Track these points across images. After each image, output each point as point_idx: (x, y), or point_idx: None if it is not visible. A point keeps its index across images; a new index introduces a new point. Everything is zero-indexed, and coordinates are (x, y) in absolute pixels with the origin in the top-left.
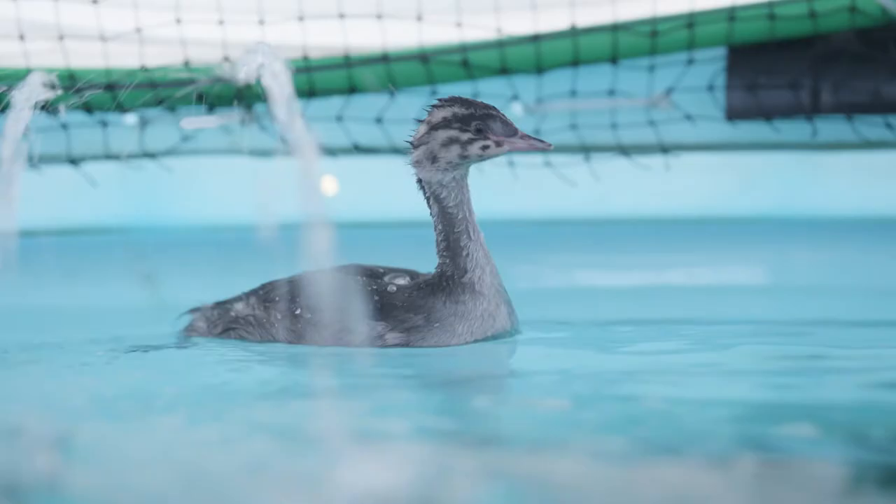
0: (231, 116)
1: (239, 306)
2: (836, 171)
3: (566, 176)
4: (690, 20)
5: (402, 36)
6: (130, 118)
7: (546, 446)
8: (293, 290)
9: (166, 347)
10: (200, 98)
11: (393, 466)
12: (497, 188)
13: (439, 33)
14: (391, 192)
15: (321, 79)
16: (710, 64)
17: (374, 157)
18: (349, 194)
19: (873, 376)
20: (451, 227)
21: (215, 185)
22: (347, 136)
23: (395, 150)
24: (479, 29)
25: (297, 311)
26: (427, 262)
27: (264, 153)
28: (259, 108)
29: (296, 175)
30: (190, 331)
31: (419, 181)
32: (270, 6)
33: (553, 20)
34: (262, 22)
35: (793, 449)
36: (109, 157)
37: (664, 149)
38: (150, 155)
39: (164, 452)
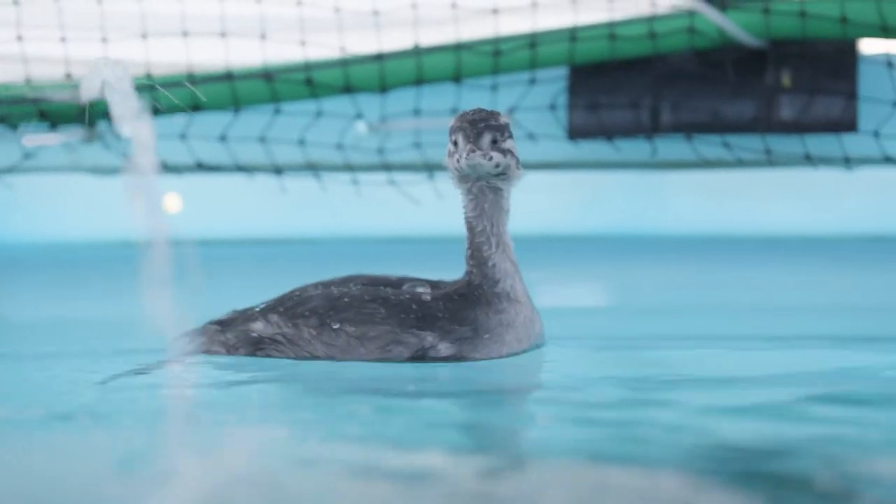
0: (74, 134)
1: (259, 326)
2: (676, 189)
3: (410, 194)
4: (533, 40)
5: (246, 54)
6: None
7: None
8: (324, 304)
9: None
10: (43, 115)
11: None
12: (340, 206)
13: (283, 52)
14: (235, 209)
15: (164, 96)
16: (552, 83)
17: (218, 174)
18: (192, 211)
19: (718, 390)
20: (472, 235)
21: (57, 203)
22: (191, 154)
23: (240, 168)
24: (323, 47)
25: (336, 326)
26: (277, 280)
27: (107, 171)
28: (102, 125)
29: (133, 191)
30: (197, 353)
31: None
32: (113, 23)
33: (397, 39)
34: (104, 39)
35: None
36: None
37: None
38: None
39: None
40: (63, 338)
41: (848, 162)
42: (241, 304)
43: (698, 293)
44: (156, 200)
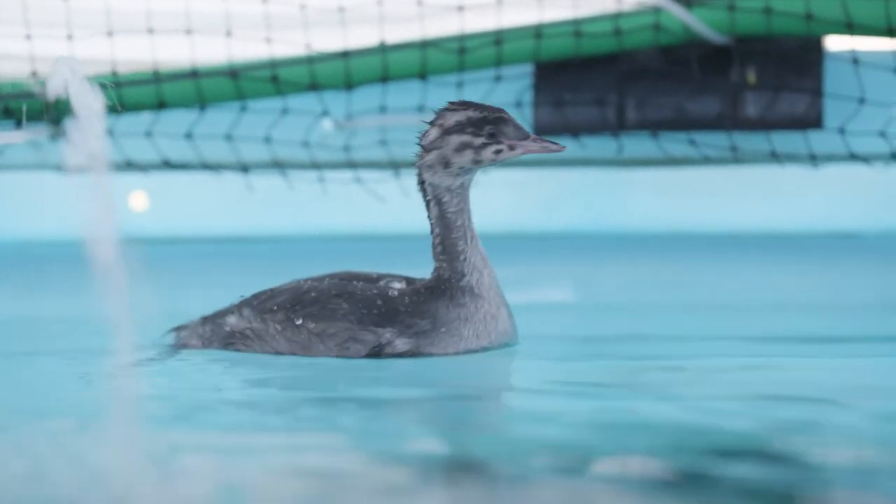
0: (39, 131)
1: (232, 320)
2: (641, 186)
3: (375, 192)
4: (498, 37)
5: (211, 51)
6: None
7: None
8: (291, 299)
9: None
10: (8, 112)
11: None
12: (305, 203)
13: (249, 49)
14: (201, 207)
15: (130, 94)
16: (518, 80)
17: (184, 172)
18: (159, 210)
19: (681, 387)
20: (448, 231)
21: (23, 201)
22: (157, 152)
23: (206, 166)
24: (288, 45)
25: (299, 322)
26: (243, 278)
27: (73, 169)
28: (68, 123)
29: (88, 192)
30: (180, 346)
31: (421, 183)
32: (79, 21)
33: (362, 36)
34: (70, 37)
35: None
36: None
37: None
38: None
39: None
40: (34, 336)
41: (813, 159)
42: (208, 302)
43: (664, 291)
44: (107, 195)
